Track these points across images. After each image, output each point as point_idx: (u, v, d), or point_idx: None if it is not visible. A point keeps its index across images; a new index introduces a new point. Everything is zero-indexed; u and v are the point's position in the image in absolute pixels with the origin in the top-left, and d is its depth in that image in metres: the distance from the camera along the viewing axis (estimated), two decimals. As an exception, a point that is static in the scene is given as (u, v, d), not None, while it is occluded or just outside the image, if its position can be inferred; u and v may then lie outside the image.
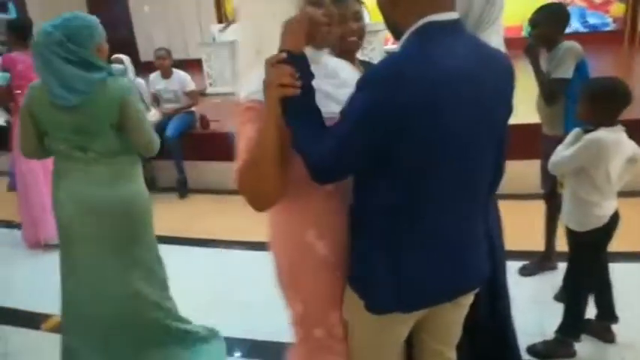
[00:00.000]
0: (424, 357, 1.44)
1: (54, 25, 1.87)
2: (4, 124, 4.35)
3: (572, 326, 2.21)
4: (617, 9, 8.33)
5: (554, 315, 2.26)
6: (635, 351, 2.24)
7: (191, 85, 4.88)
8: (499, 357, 1.84)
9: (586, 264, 2.17)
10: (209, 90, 6.93)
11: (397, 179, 1.12)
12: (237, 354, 2.50)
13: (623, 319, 2.29)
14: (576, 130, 2.14)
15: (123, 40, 9.58)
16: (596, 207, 2.06)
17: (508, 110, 1.25)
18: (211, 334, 2.39)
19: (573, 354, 2.23)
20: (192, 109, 4.99)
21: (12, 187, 4.31)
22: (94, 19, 1.99)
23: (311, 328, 1.37)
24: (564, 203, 2.19)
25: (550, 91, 2.56)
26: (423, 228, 1.16)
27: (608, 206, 2.07)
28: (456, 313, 1.36)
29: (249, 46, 1.28)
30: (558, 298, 2.48)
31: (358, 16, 1.75)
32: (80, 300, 2.08)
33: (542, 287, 2.73)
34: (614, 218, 2.10)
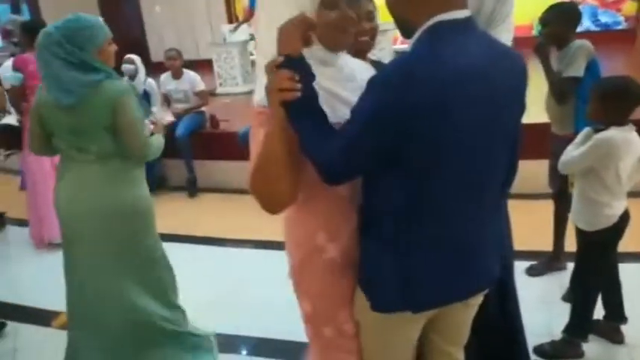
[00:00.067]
0: (433, 358, 1.44)
1: (55, 26, 1.91)
2: (16, 123, 4.41)
3: (580, 326, 2.20)
4: (630, 7, 8.24)
5: (562, 315, 2.26)
6: (645, 352, 2.22)
7: (201, 85, 4.91)
8: (508, 357, 1.84)
9: (594, 264, 2.15)
10: (219, 90, 6.97)
11: (406, 180, 1.11)
12: (244, 352, 2.52)
13: (632, 319, 2.27)
14: (587, 130, 2.13)
15: (134, 41, 9.66)
16: (606, 207, 2.05)
17: (521, 108, 1.23)
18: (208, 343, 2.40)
19: (581, 354, 2.22)
20: (202, 109, 5.02)
21: (24, 186, 4.37)
22: (96, 21, 1.98)
23: (320, 327, 1.37)
24: (573, 203, 2.18)
25: (561, 90, 2.54)
26: (431, 228, 1.16)
27: (618, 206, 2.06)
28: (465, 313, 1.36)
29: (267, 51, 1.28)
30: (566, 298, 2.47)
31: (371, 16, 1.75)
32: (82, 299, 2.11)
33: (550, 287, 2.71)
34: (624, 218, 2.08)
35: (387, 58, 5.42)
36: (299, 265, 1.36)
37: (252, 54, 6.91)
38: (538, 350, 2.23)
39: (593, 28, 8.31)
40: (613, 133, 1.98)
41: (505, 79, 1.13)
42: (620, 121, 2.00)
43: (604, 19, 8.39)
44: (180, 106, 4.89)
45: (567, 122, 2.60)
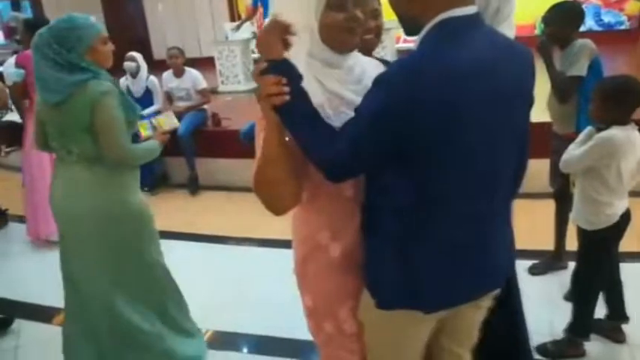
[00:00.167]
0: (441, 359, 1.43)
1: (49, 26, 1.93)
2: (19, 120, 4.41)
3: (582, 325, 2.20)
4: (632, 7, 8.21)
5: (563, 314, 2.26)
6: (646, 351, 2.22)
7: (203, 84, 4.91)
8: (511, 356, 1.84)
9: (595, 263, 2.15)
10: (221, 88, 6.97)
11: (412, 178, 1.10)
12: (246, 350, 2.52)
13: (634, 319, 2.27)
14: (589, 129, 2.13)
15: (137, 39, 9.68)
16: (607, 206, 2.05)
17: (529, 104, 1.23)
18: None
19: (583, 354, 2.22)
20: (204, 106, 5.02)
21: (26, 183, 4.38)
22: (86, 21, 1.96)
23: (321, 322, 1.38)
24: (575, 202, 2.18)
25: (563, 89, 2.54)
26: (439, 227, 1.14)
27: (620, 205, 2.06)
28: (476, 315, 1.35)
29: None
30: (568, 297, 2.46)
31: (376, 14, 1.75)
32: (74, 297, 2.13)
33: (551, 287, 2.71)
34: (625, 217, 2.08)
35: (389, 56, 5.42)
36: (302, 262, 1.37)
37: (254, 52, 6.91)
38: (540, 349, 2.23)
39: (596, 27, 8.29)
40: (615, 132, 1.98)
41: (513, 74, 1.12)
42: (622, 121, 1.99)
43: (607, 18, 8.36)
44: (182, 104, 4.89)
45: (569, 121, 2.60)
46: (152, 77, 4.91)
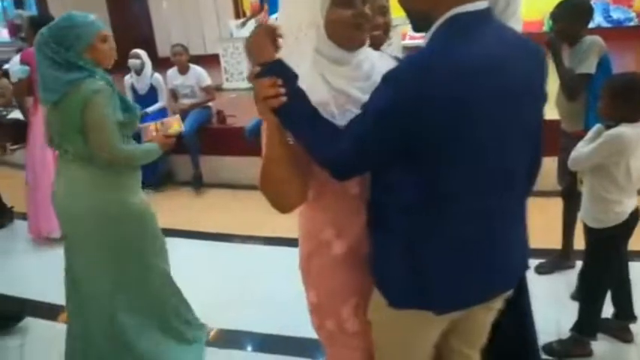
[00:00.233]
0: None
1: (49, 26, 1.93)
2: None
3: (589, 325, 2.18)
4: (641, 4, 8.16)
5: (570, 314, 2.24)
6: (655, 352, 2.20)
7: (207, 81, 4.90)
8: (520, 357, 1.82)
9: (603, 261, 2.13)
10: (226, 85, 6.97)
11: (420, 175, 1.08)
12: (250, 348, 2.52)
13: (643, 319, 2.25)
14: (598, 126, 2.11)
15: (142, 36, 9.69)
16: (616, 204, 2.03)
17: (542, 99, 1.21)
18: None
19: (590, 353, 2.20)
20: (209, 104, 5.02)
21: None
22: (85, 19, 1.95)
23: (323, 319, 1.38)
24: (583, 200, 2.16)
25: (572, 87, 2.51)
26: (447, 224, 1.12)
27: (628, 203, 2.04)
28: (487, 316, 1.33)
29: (280, 52, 1.28)
30: (575, 296, 2.44)
31: (384, 10, 1.74)
32: (74, 295, 2.14)
33: (559, 286, 2.69)
34: (634, 216, 2.06)
35: (395, 53, 5.39)
36: (307, 257, 1.37)
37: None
38: (547, 349, 2.21)
39: (604, 24, 8.23)
40: (624, 129, 1.96)
41: (523, 71, 1.10)
42: (631, 118, 1.97)
43: (616, 15, 8.30)
44: (187, 102, 4.89)
45: (577, 119, 2.58)
46: (157, 75, 4.91)
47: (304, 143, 1.16)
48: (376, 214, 1.21)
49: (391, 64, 1.28)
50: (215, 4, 9.97)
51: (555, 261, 2.87)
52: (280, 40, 1.18)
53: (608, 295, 2.21)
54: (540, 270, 2.84)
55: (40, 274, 3.30)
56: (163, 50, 9.59)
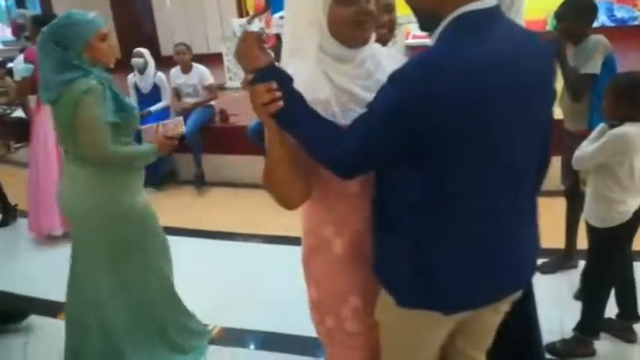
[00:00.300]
0: None
1: (50, 25, 1.93)
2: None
3: (592, 324, 2.17)
4: (646, 2, 8.12)
5: (573, 313, 2.23)
6: (658, 352, 2.20)
7: (210, 79, 4.90)
8: (524, 358, 1.82)
9: (606, 261, 2.12)
10: (228, 84, 6.96)
11: (427, 174, 1.08)
12: (252, 346, 2.52)
13: (646, 319, 2.24)
14: (602, 126, 2.10)
15: (145, 35, 9.69)
16: (620, 203, 2.02)
17: (551, 95, 1.20)
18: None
19: (593, 353, 2.19)
20: (212, 103, 5.02)
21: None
22: (84, 17, 1.94)
23: (323, 316, 1.38)
24: (586, 199, 2.15)
25: (577, 87, 2.49)
26: (455, 223, 1.11)
27: (632, 203, 2.03)
28: (494, 318, 1.32)
29: (285, 49, 1.28)
30: (578, 296, 2.44)
31: (390, 8, 1.74)
32: (77, 298, 2.15)
33: (562, 285, 2.68)
34: (638, 215, 2.05)
35: (399, 52, 5.37)
36: (308, 253, 1.38)
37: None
38: (550, 348, 2.20)
39: (608, 23, 8.19)
40: (628, 128, 1.96)
41: (534, 66, 1.09)
42: (635, 117, 1.97)
43: (620, 14, 8.26)
44: (190, 101, 4.89)
45: (580, 118, 2.57)
46: (160, 73, 4.92)
47: (305, 144, 1.16)
48: (382, 213, 1.21)
49: (399, 62, 1.27)
50: (218, 3, 9.97)
51: (558, 260, 2.86)
52: (266, 46, 1.19)
53: (612, 295, 2.21)
54: (543, 269, 2.83)
55: (43, 271, 3.31)
56: (166, 49, 9.57)
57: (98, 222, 2.01)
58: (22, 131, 4.92)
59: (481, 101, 1.00)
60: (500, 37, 1.05)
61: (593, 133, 2.11)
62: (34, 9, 9.84)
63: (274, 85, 1.13)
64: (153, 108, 4.78)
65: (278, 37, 5.98)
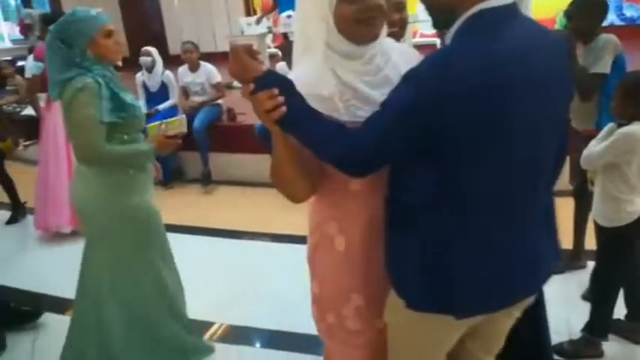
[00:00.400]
0: None
1: (56, 23, 1.94)
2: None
3: (600, 325, 2.16)
4: (656, 1, 8.05)
5: (581, 314, 2.22)
6: (667, 354, 2.18)
7: (217, 78, 4.91)
8: (532, 359, 1.81)
9: (615, 261, 2.11)
10: (236, 83, 6.88)
11: (442, 173, 1.07)
12: (258, 344, 2.53)
13: (655, 320, 2.23)
14: (610, 125, 2.09)
15: (153, 34, 9.72)
16: (628, 203, 2.01)
17: (568, 92, 1.19)
18: None
19: (601, 354, 2.18)
20: (219, 101, 5.03)
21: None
22: (87, 13, 1.92)
23: (325, 312, 1.39)
24: (595, 199, 2.14)
25: (586, 86, 2.47)
26: (470, 223, 1.09)
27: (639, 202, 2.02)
28: (506, 323, 1.31)
29: (296, 47, 1.29)
30: (586, 297, 2.43)
31: (401, 7, 1.74)
32: (82, 297, 2.15)
33: (570, 286, 2.66)
34: (647, 215, 2.04)
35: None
36: (313, 249, 1.40)
37: (269, 47, 6.90)
38: (557, 349, 2.19)
39: (617, 22, 8.12)
40: (636, 127, 1.95)
41: (549, 63, 1.08)
42: (644, 116, 1.95)
43: (629, 12, 8.19)
44: (197, 99, 4.91)
45: (588, 118, 2.55)
46: (168, 72, 4.93)
47: (309, 145, 1.16)
48: (394, 212, 1.19)
49: (411, 57, 1.27)
50: (226, 1, 9.97)
51: (566, 261, 2.84)
52: (260, 56, 1.20)
53: (621, 296, 2.19)
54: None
55: (52, 268, 3.33)
56: (174, 48, 9.58)
57: (106, 221, 2.01)
58: (31, 129, 4.94)
59: (497, 99, 1.00)
60: (516, 34, 1.04)
61: (602, 133, 2.10)
62: (42, 8, 9.89)
63: (276, 91, 1.13)
64: (161, 106, 4.80)
65: (285, 36, 5.99)
